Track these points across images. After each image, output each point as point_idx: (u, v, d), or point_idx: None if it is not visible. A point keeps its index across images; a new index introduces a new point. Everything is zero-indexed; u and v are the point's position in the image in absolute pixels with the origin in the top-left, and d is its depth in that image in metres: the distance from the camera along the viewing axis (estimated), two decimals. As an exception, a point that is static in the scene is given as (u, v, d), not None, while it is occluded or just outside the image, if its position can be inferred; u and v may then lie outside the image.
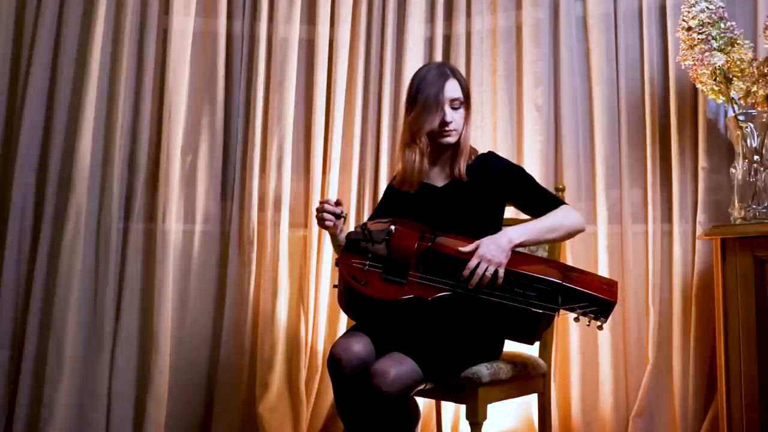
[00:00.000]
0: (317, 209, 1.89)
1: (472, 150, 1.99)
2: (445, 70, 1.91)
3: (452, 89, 1.88)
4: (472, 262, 1.69)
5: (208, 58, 2.78)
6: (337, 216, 1.88)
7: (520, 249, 1.78)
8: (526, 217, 2.00)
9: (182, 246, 2.72)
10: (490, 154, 2.01)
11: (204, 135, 2.76)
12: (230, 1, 2.82)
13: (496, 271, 1.68)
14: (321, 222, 1.89)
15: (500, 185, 1.91)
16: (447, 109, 1.87)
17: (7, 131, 2.70)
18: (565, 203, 1.88)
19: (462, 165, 1.91)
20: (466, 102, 1.92)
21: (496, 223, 1.93)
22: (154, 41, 2.73)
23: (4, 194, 2.63)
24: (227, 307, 2.68)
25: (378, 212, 2.07)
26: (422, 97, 1.86)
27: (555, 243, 2.09)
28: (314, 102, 2.74)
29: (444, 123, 1.87)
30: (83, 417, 2.53)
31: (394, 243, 1.77)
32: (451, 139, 1.90)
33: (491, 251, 1.69)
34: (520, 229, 1.78)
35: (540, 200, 1.88)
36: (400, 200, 1.98)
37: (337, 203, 1.89)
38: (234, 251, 2.70)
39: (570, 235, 1.86)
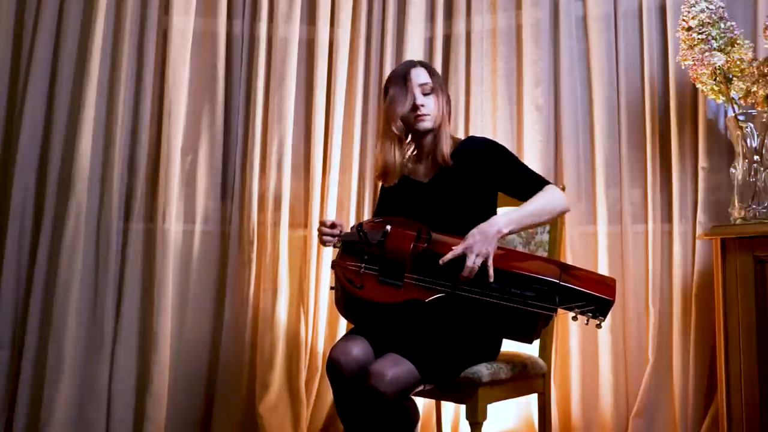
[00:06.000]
0: (318, 231, 1.93)
1: (455, 139, 1.99)
2: (412, 61, 1.98)
3: (418, 75, 1.92)
4: (457, 250, 1.69)
5: (208, 58, 2.78)
6: (336, 236, 1.92)
7: (519, 248, 1.78)
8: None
9: (182, 246, 2.72)
10: (469, 139, 2.02)
11: (204, 135, 2.77)
12: (230, 1, 2.82)
13: (485, 265, 1.68)
14: (323, 244, 1.94)
15: (484, 165, 1.91)
16: (417, 92, 1.89)
17: (7, 131, 2.70)
18: (549, 182, 1.87)
19: (445, 149, 1.91)
20: (440, 90, 1.94)
21: (489, 210, 1.92)
22: (154, 41, 2.73)
23: (4, 194, 2.63)
24: (227, 306, 2.68)
25: (376, 214, 2.08)
26: (392, 86, 1.93)
27: (541, 226, 2.04)
28: (314, 102, 2.74)
29: (415, 107, 1.89)
30: (83, 417, 2.53)
31: (390, 245, 1.76)
32: (427, 124, 1.91)
33: (477, 243, 1.69)
34: (507, 218, 1.76)
35: (524, 182, 1.88)
36: (388, 197, 2.01)
37: (333, 225, 1.91)
38: (234, 251, 2.70)
39: (555, 217, 1.87)
